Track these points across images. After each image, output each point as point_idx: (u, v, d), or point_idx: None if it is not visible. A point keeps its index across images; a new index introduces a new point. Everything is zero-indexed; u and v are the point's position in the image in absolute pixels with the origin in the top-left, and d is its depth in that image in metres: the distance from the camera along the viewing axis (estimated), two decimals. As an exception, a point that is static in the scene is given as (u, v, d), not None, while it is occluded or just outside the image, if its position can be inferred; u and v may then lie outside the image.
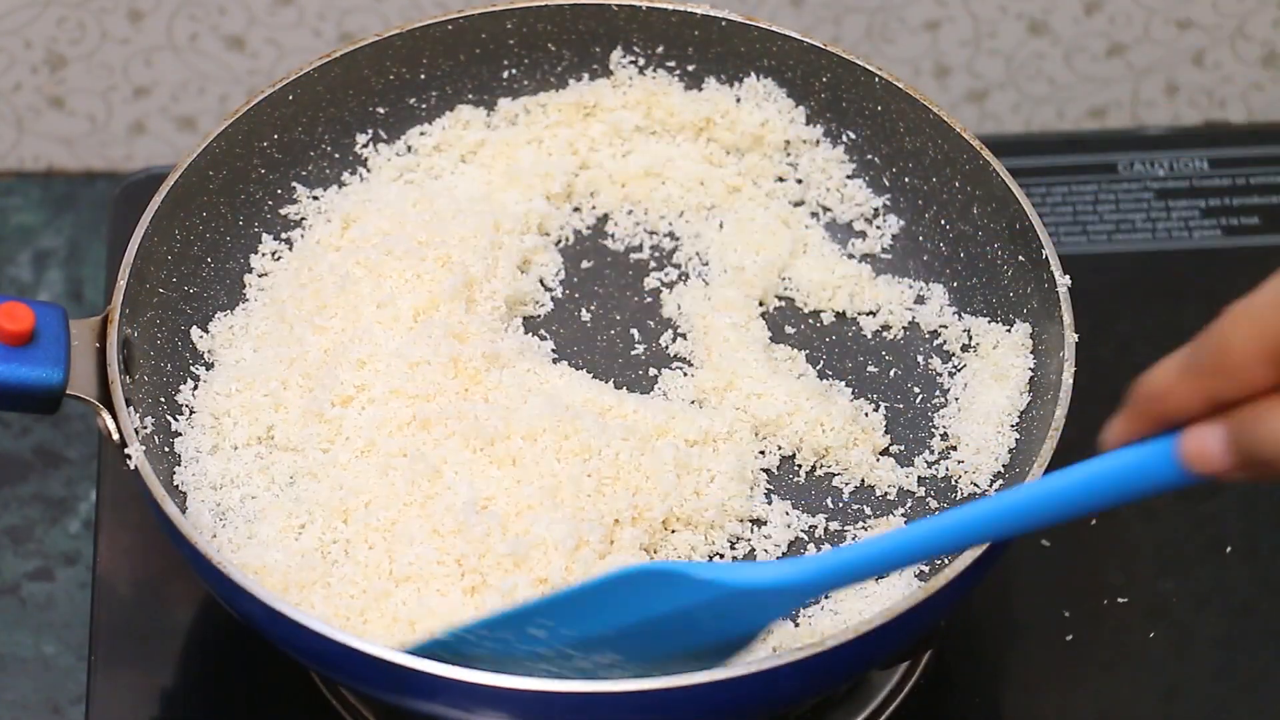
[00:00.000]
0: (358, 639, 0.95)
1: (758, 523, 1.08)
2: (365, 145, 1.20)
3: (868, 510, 1.09)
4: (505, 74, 1.22)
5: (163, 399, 1.09)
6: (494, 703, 0.95)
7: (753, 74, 1.21)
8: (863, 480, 1.10)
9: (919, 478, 1.10)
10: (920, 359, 1.15)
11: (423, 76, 1.21)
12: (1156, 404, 0.80)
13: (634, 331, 1.17)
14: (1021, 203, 1.11)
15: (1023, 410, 1.10)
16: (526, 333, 1.15)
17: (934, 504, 1.09)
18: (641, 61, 1.22)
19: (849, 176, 1.21)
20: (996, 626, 1.16)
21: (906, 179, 1.19)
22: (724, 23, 1.20)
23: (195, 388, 1.11)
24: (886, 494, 1.10)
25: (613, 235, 1.21)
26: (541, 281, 1.18)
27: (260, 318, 1.14)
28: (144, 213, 1.10)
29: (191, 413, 1.10)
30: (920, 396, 1.14)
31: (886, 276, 1.18)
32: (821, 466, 1.11)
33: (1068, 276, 1.08)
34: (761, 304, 1.17)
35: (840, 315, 1.17)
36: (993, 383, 1.11)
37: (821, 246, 1.19)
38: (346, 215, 1.17)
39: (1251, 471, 0.78)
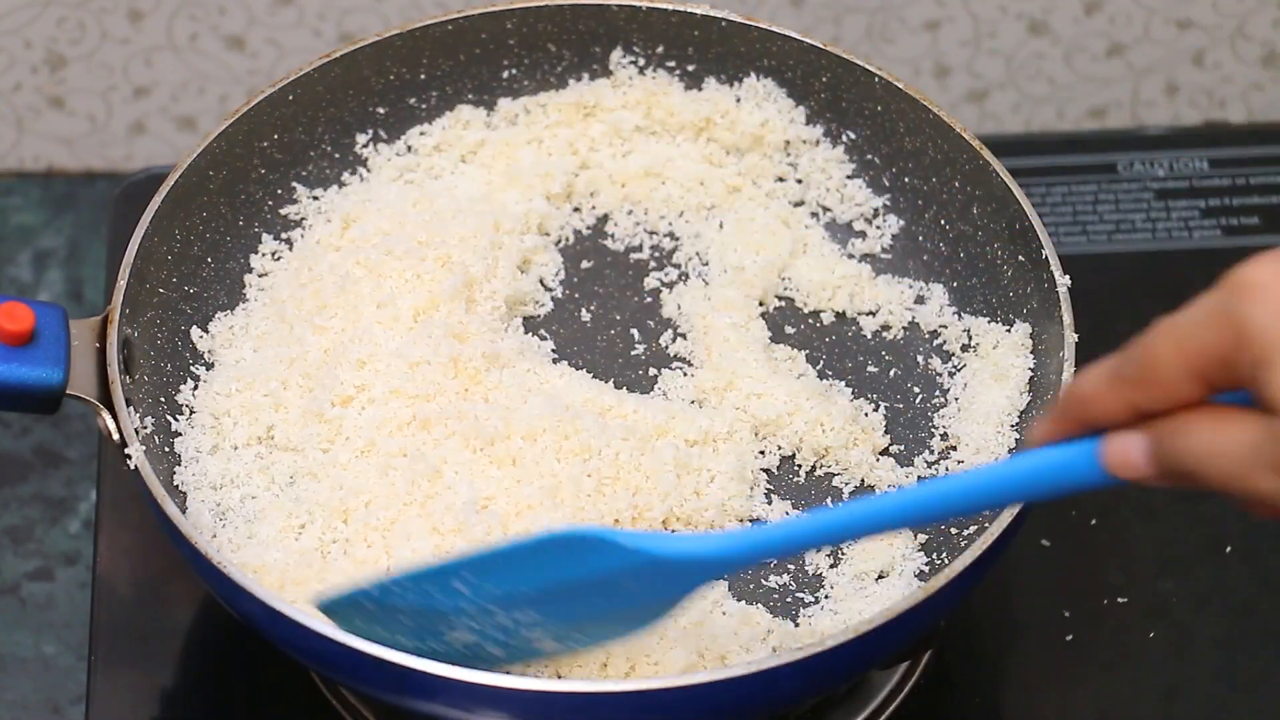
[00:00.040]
0: (358, 639, 0.95)
1: (758, 523, 1.08)
2: (365, 145, 1.20)
3: (868, 510, 1.09)
4: (505, 74, 1.22)
5: (163, 399, 1.09)
6: (494, 703, 0.95)
7: (753, 74, 1.21)
8: (863, 480, 1.10)
9: (919, 478, 1.10)
10: (920, 359, 1.15)
11: (423, 76, 1.21)
12: (1082, 408, 0.82)
13: (634, 331, 1.17)
14: (1021, 203, 1.11)
15: (1023, 410, 1.10)
16: (526, 333, 1.15)
17: (934, 504, 1.09)
18: (641, 61, 1.22)
19: (849, 176, 1.21)
20: (996, 626, 1.16)
21: (906, 179, 1.19)
22: (724, 23, 1.20)
23: (195, 388, 1.11)
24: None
25: (613, 235, 1.21)
26: (541, 281, 1.18)
27: (260, 318, 1.14)
28: (144, 213, 1.10)
29: (191, 413, 1.10)
30: (920, 396, 1.14)
31: (886, 276, 1.18)
32: (821, 466, 1.11)
33: (1068, 276, 1.08)
34: (761, 304, 1.17)
35: (840, 315, 1.17)
36: (993, 383, 1.11)
37: (821, 246, 1.19)
38: (346, 215, 1.17)
39: (1171, 481, 0.80)
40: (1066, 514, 1.20)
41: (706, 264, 1.19)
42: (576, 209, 1.21)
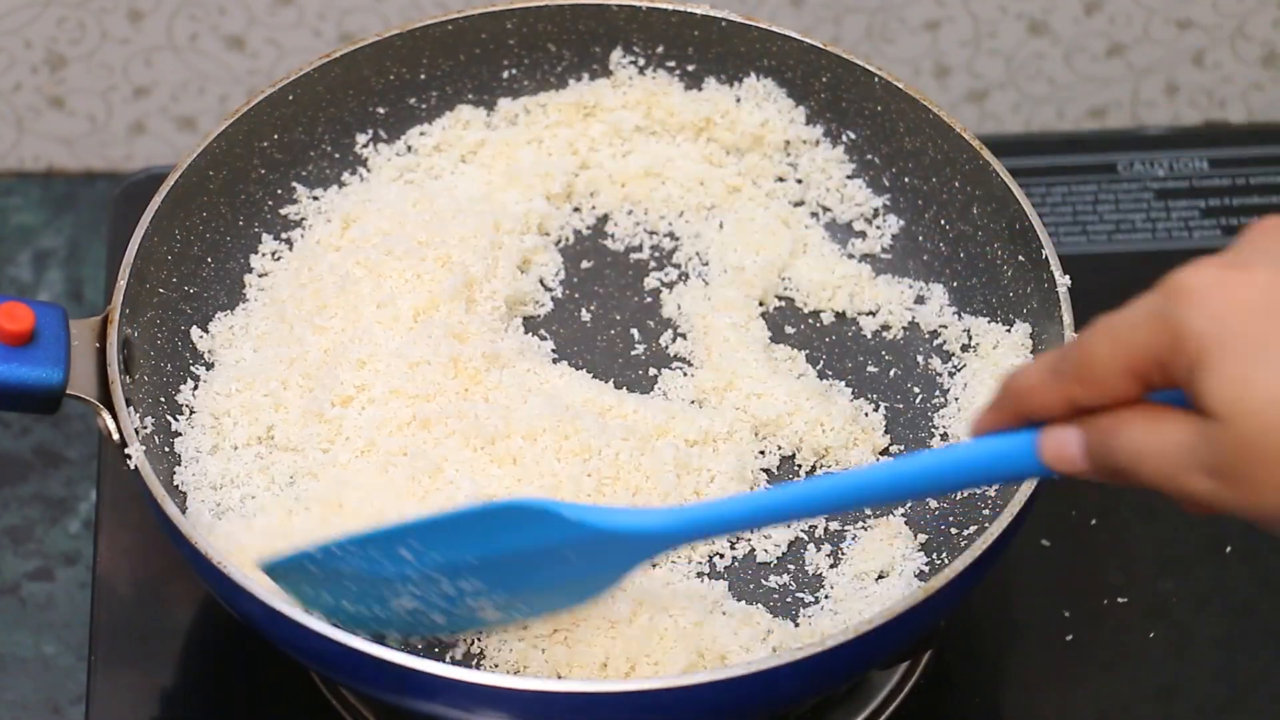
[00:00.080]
0: (358, 639, 0.95)
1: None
2: (365, 145, 1.20)
3: (868, 510, 1.09)
4: (505, 74, 1.22)
5: (163, 399, 1.09)
6: (494, 703, 0.95)
7: (753, 74, 1.21)
8: (863, 480, 1.10)
9: (919, 478, 1.10)
10: (920, 359, 1.15)
11: (423, 76, 1.21)
12: (1021, 400, 0.83)
13: (634, 331, 1.17)
14: (1021, 203, 1.11)
15: (1023, 410, 1.10)
16: (526, 333, 1.15)
17: (934, 504, 1.09)
18: (641, 61, 1.22)
19: (849, 176, 1.21)
20: (996, 626, 1.16)
21: (906, 179, 1.19)
22: (724, 23, 1.20)
23: (195, 388, 1.10)
24: (886, 494, 1.09)
25: (613, 235, 1.21)
26: (541, 281, 1.18)
27: (260, 318, 1.14)
28: (144, 213, 1.10)
29: (191, 413, 1.10)
30: (920, 396, 1.14)
31: (886, 276, 1.18)
32: (821, 466, 1.11)
33: (1068, 276, 1.08)
34: (761, 304, 1.17)
35: (840, 315, 1.17)
36: (993, 383, 1.11)
37: (821, 246, 1.19)
38: (346, 215, 1.17)
39: (1105, 477, 0.81)
40: (1066, 514, 1.20)
41: (706, 264, 1.19)
42: (576, 209, 1.21)
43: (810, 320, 1.17)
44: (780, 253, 1.18)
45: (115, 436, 1.02)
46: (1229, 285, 0.76)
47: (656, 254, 1.20)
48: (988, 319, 1.14)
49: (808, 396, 1.11)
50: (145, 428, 1.05)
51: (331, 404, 1.08)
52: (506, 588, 0.96)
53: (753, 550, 1.07)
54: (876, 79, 1.18)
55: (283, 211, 1.18)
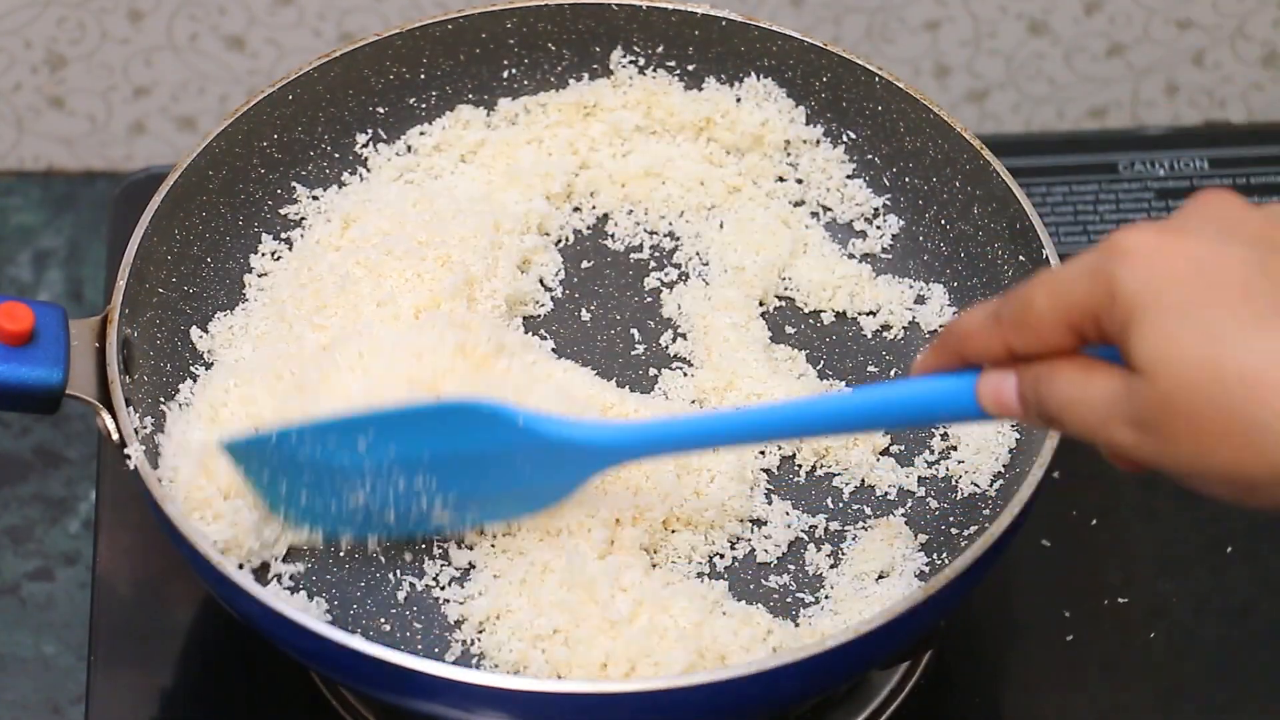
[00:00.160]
0: (358, 639, 0.95)
1: (758, 523, 1.08)
2: (365, 145, 1.20)
3: (868, 510, 1.09)
4: (505, 74, 1.22)
5: (162, 399, 1.09)
6: (494, 703, 0.95)
7: (753, 74, 1.21)
8: (863, 480, 1.10)
9: (919, 478, 1.10)
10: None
11: (423, 76, 1.21)
12: (961, 343, 0.88)
13: (634, 331, 1.17)
14: (1021, 203, 1.11)
15: (1023, 410, 1.10)
16: (527, 332, 1.15)
17: (934, 504, 1.09)
18: (641, 61, 1.22)
19: (849, 176, 1.21)
20: (996, 626, 1.17)
21: (906, 179, 1.19)
22: (724, 23, 1.20)
23: (193, 387, 1.10)
24: (886, 494, 1.09)
25: (613, 235, 1.21)
26: (541, 281, 1.18)
27: (260, 317, 1.13)
28: (144, 213, 1.10)
29: (188, 407, 1.09)
30: (920, 396, 1.14)
31: (886, 276, 1.18)
32: (821, 466, 1.11)
33: (1068, 276, 1.08)
34: (761, 304, 1.17)
35: (840, 315, 1.17)
36: (993, 383, 1.11)
37: (821, 246, 1.19)
38: (346, 215, 1.17)
39: (1038, 423, 0.86)
40: (1067, 514, 1.20)
41: (706, 264, 1.19)
42: (576, 209, 1.21)
43: (810, 320, 1.17)
44: (780, 253, 1.18)
45: (115, 436, 1.02)
46: (1164, 250, 0.80)
47: (656, 254, 1.20)
48: (988, 319, 1.14)
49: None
50: (145, 428, 1.05)
51: (329, 385, 1.07)
52: (459, 488, 0.99)
53: (753, 550, 1.07)
54: (877, 79, 1.18)
55: (282, 211, 1.18)
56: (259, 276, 1.16)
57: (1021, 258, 1.12)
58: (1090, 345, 0.83)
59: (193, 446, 1.04)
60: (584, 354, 1.15)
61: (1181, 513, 1.21)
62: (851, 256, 1.19)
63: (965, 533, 1.07)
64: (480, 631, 1.03)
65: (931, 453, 1.11)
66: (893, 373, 1.14)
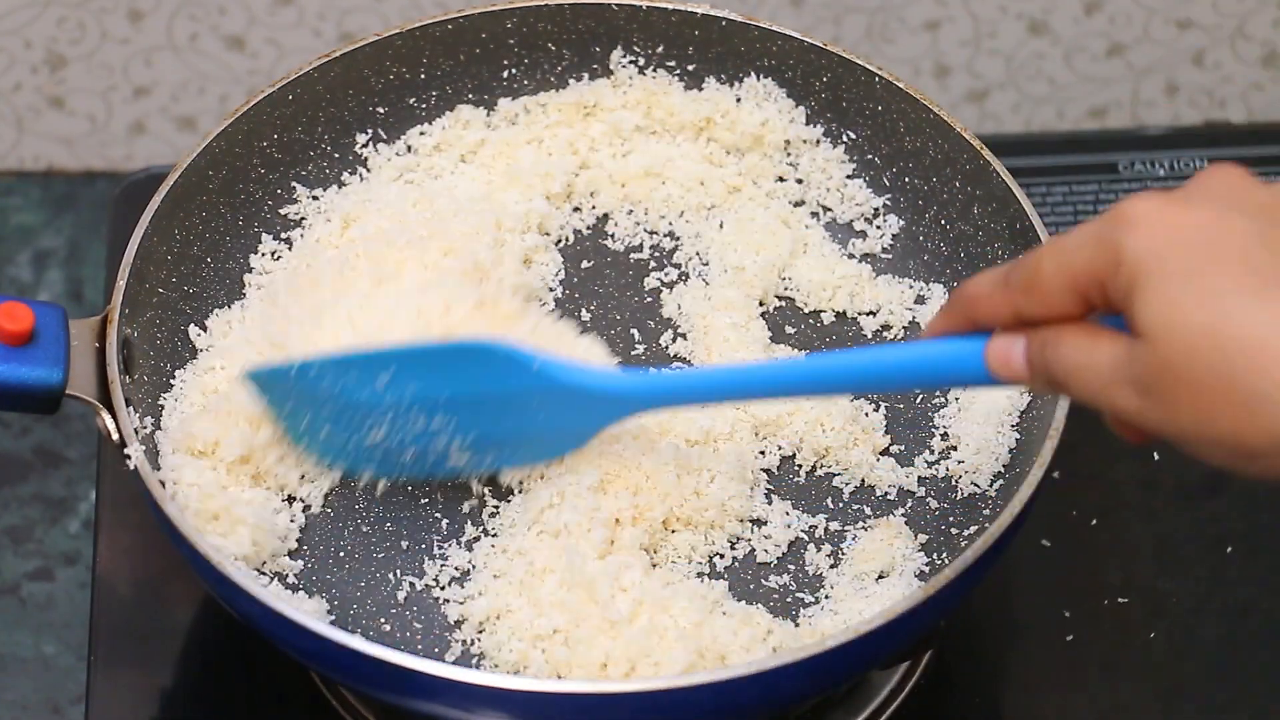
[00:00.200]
0: (358, 639, 0.95)
1: (758, 523, 1.08)
2: (365, 145, 1.20)
3: (868, 510, 1.09)
4: (505, 74, 1.22)
5: (162, 399, 1.09)
6: (494, 703, 0.95)
7: (753, 74, 1.21)
8: (863, 480, 1.10)
9: (919, 478, 1.10)
10: (920, 359, 1.15)
11: (423, 76, 1.21)
12: (971, 306, 0.90)
13: (634, 331, 1.16)
14: (1021, 203, 1.11)
15: (1023, 410, 1.10)
16: (526, 332, 1.15)
17: (934, 504, 1.09)
18: (641, 61, 1.22)
19: (849, 176, 1.21)
20: (996, 626, 1.17)
21: (907, 179, 1.19)
22: (724, 23, 1.20)
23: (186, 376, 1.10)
24: (886, 494, 1.09)
25: (613, 235, 1.21)
26: (541, 281, 1.18)
27: (256, 311, 1.13)
28: (144, 213, 1.10)
29: (182, 399, 1.09)
30: (920, 396, 1.14)
31: (886, 276, 1.18)
32: (821, 466, 1.11)
33: (1068, 276, 1.08)
34: (761, 304, 1.17)
35: (840, 315, 1.17)
36: (993, 383, 1.11)
37: (821, 246, 1.19)
38: (346, 215, 1.17)
39: (1044, 387, 0.87)
40: (1067, 514, 1.20)
41: (706, 264, 1.19)
42: (576, 209, 1.21)
43: (810, 320, 1.17)
44: (780, 253, 1.18)
45: (115, 436, 1.02)
46: (1169, 218, 0.81)
47: (656, 254, 1.20)
48: (988, 319, 1.14)
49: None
50: (145, 428, 1.05)
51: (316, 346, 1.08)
52: (477, 430, 1.01)
53: (753, 550, 1.07)
54: (877, 79, 1.18)
55: (282, 211, 1.18)
56: (259, 276, 1.16)
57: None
58: (1097, 313, 0.85)
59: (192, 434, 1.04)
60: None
61: (1181, 513, 1.21)
62: (851, 256, 1.19)
63: (965, 533, 1.07)
64: (480, 631, 1.03)
65: (931, 453, 1.11)
66: (893, 373, 1.14)
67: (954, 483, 1.10)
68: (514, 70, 1.22)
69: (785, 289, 1.18)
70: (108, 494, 1.19)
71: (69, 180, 1.52)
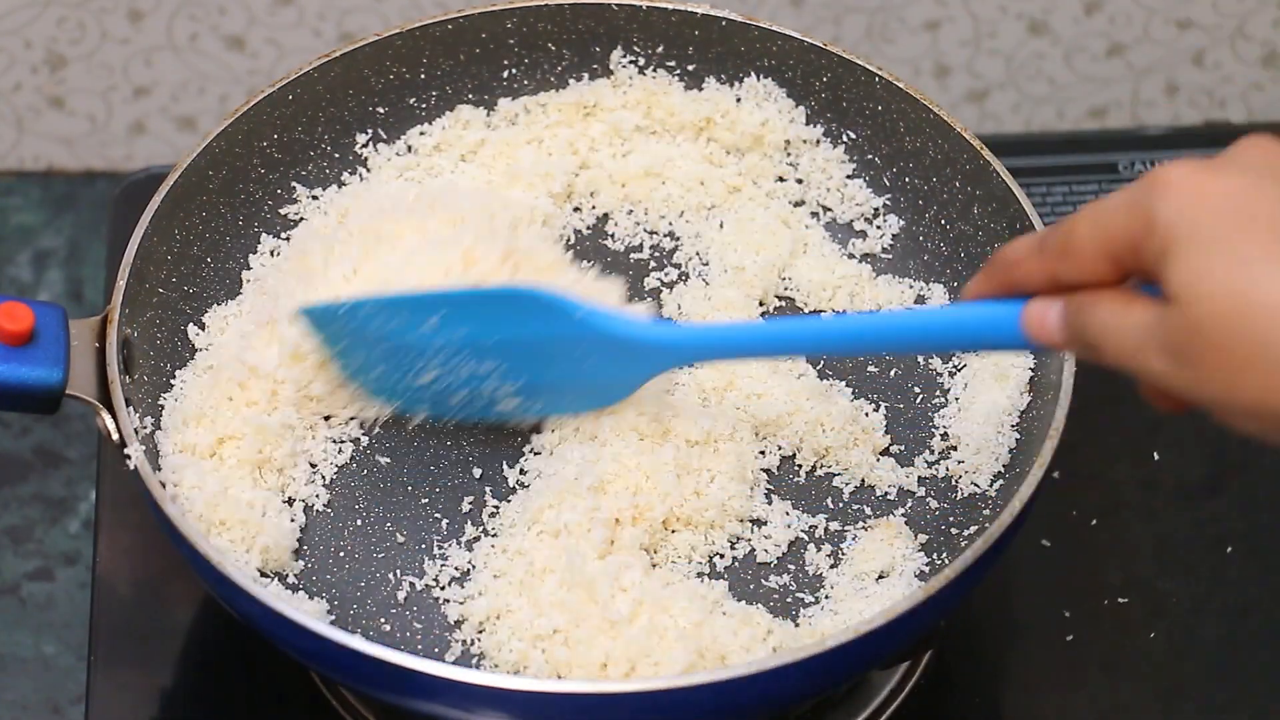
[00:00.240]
0: (358, 639, 0.95)
1: (758, 523, 1.08)
2: (365, 145, 1.20)
3: (868, 510, 1.09)
4: (505, 74, 1.22)
5: (162, 398, 1.09)
6: (494, 703, 0.95)
7: (753, 74, 1.21)
8: (863, 480, 1.10)
9: (919, 478, 1.10)
10: (920, 359, 1.15)
11: (423, 76, 1.21)
12: (1008, 270, 0.91)
13: (634, 331, 1.16)
14: (1022, 203, 1.11)
15: (1023, 410, 1.10)
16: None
17: (934, 504, 1.09)
18: (641, 61, 1.22)
19: (849, 176, 1.21)
20: (996, 626, 1.16)
21: (907, 179, 1.19)
22: (724, 23, 1.20)
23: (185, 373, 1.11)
24: (886, 494, 1.09)
25: (613, 235, 1.21)
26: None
27: (252, 305, 1.13)
28: (144, 213, 1.10)
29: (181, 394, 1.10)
30: (920, 396, 1.14)
31: (886, 276, 1.18)
32: (821, 466, 1.11)
33: (1068, 276, 1.08)
34: (761, 304, 1.17)
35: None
36: (993, 383, 1.11)
37: (821, 246, 1.19)
38: (344, 209, 1.17)
39: (1080, 351, 0.89)
40: (1067, 514, 1.20)
41: (707, 264, 1.19)
42: (577, 209, 1.21)
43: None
44: (780, 253, 1.18)
45: (115, 436, 1.02)
46: (1202, 184, 0.82)
47: (656, 254, 1.20)
48: (988, 319, 1.14)
49: (808, 396, 1.11)
50: (145, 428, 1.05)
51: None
52: (525, 376, 1.03)
53: (753, 550, 1.07)
54: (877, 79, 1.18)
55: (282, 211, 1.18)
56: (259, 276, 1.16)
57: (1021, 258, 1.12)
58: (1133, 280, 0.86)
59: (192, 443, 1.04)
60: (584, 354, 1.15)
61: (1181, 513, 1.21)
62: (851, 256, 1.19)
63: (965, 533, 1.07)
64: (480, 631, 1.03)
65: (931, 453, 1.11)
66: (893, 373, 1.14)
67: (954, 483, 1.10)
68: (514, 70, 1.22)
69: (785, 289, 1.18)
70: (108, 494, 1.19)
71: (69, 180, 1.52)
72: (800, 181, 1.21)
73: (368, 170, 1.20)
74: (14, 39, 1.45)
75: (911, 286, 1.18)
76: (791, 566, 1.07)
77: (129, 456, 1.02)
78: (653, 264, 1.19)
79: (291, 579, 1.05)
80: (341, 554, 1.06)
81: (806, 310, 1.17)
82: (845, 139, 1.21)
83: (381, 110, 1.20)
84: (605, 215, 1.21)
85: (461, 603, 1.04)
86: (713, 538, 1.07)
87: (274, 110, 1.17)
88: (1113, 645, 1.15)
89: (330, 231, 1.15)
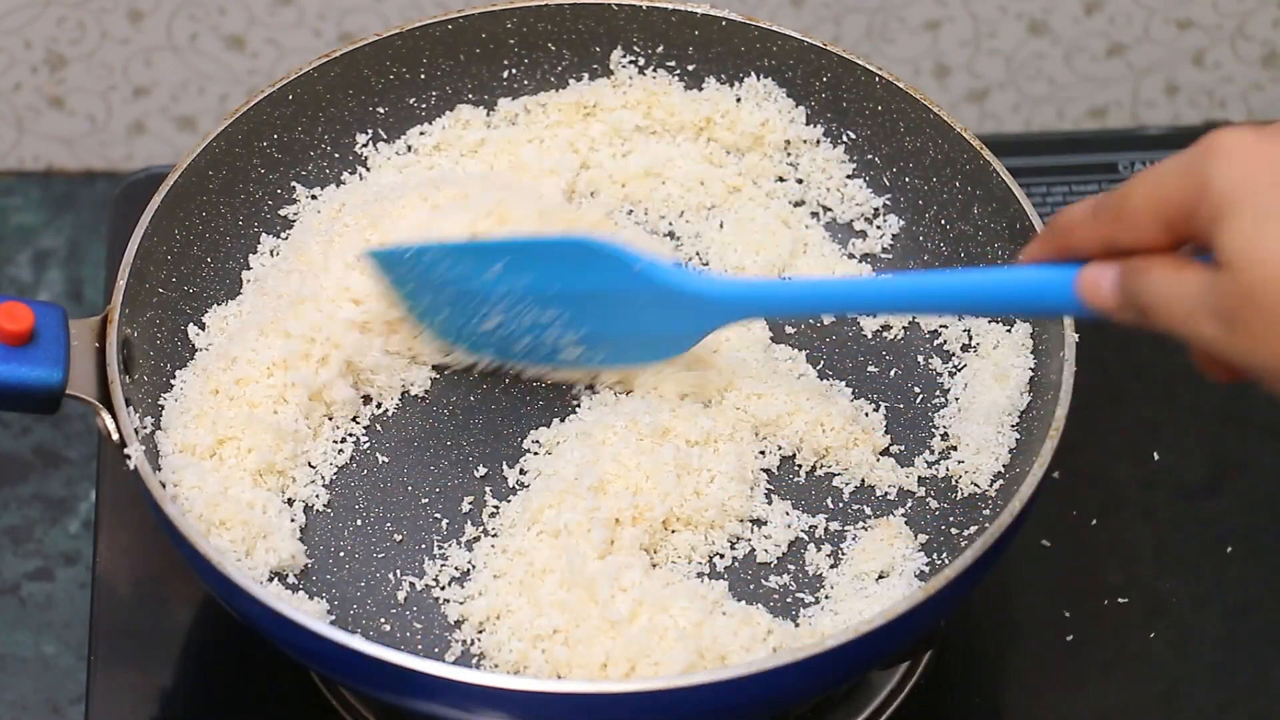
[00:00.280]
0: (358, 639, 0.95)
1: (758, 523, 1.08)
2: (365, 145, 1.20)
3: (868, 510, 1.09)
4: (505, 74, 1.22)
5: (162, 398, 1.09)
6: (494, 703, 0.95)
7: (753, 74, 1.21)
8: (863, 480, 1.10)
9: (919, 478, 1.10)
10: (920, 359, 1.15)
11: (423, 76, 1.21)
12: (1064, 235, 0.92)
13: (634, 331, 1.16)
14: (1021, 203, 1.11)
15: (1023, 410, 1.10)
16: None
17: (934, 504, 1.09)
18: (641, 61, 1.22)
19: (849, 176, 1.21)
20: (996, 626, 1.16)
21: (906, 179, 1.19)
22: (724, 22, 1.20)
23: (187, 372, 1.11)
24: (886, 494, 1.09)
25: (613, 235, 1.21)
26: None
27: (251, 305, 1.13)
28: (144, 213, 1.10)
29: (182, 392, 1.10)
30: (920, 396, 1.14)
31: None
32: (821, 466, 1.11)
33: (1068, 276, 1.08)
34: (762, 304, 1.17)
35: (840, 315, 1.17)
36: (993, 383, 1.11)
37: (821, 246, 1.19)
38: (341, 205, 1.17)
39: (1133, 317, 0.89)
40: (1067, 514, 1.20)
41: (707, 264, 1.19)
42: (577, 209, 1.21)
43: (810, 320, 1.17)
44: (780, 253, 1.18)
45: (115, 436, 1.02)
46: (1257, 152, 0.83)
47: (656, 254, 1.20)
48: (988, 319, 1.14)
49: (808, 396, 1.11)
50: (145, 428, 1.05)
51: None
52: (587, 326, 1.05)
53: (753, 550, 1.07)
54: (877, 79, 1.18)
55: (282, 211, 1.18)
56: (259, 276, 1.16)
57: (1021, 258, 1.12)
58: (1188, 247, 0.86)
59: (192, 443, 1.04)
60: (584, 354, 1.15)
61: (1181, 513, 1.21)
62: (851, 256, 1.19)
63: (965, 533, 1.07)
64: (480, 631, 1.03)
65: (932, 453, 1.11)
66: (893, 373, 1.14)
67: (954, 483, 1.10)
68: (514, 70, 1.22)
69: (785, 289, 1.18)
70: (108, 494, 1.19)
71: (69, 180, 1.52)
72: (800, 181, 1.21)
73: (367, 170, 1.20)
74: (14, 39, 1.45)
75: (911, 286, 1.17)
76: (791, 566, 1.07)
77: (129, 456, 1.02)
78: (653, 264, 1.19)
79: (291, 579, 1.05)
80: (341, 554, 1.06)
81: (806, 310, 1.17)
82: (845, 139, 1.21)
83: (381, 110, 1.20)
84: (605, 215, 1.21)
85: (461, 603, 1.04)
86: (713, 538, 1.07)
87: (274, 110, 1.17)
88: (1113, 645, 1.15)
89: (326, 225, 1.15)
